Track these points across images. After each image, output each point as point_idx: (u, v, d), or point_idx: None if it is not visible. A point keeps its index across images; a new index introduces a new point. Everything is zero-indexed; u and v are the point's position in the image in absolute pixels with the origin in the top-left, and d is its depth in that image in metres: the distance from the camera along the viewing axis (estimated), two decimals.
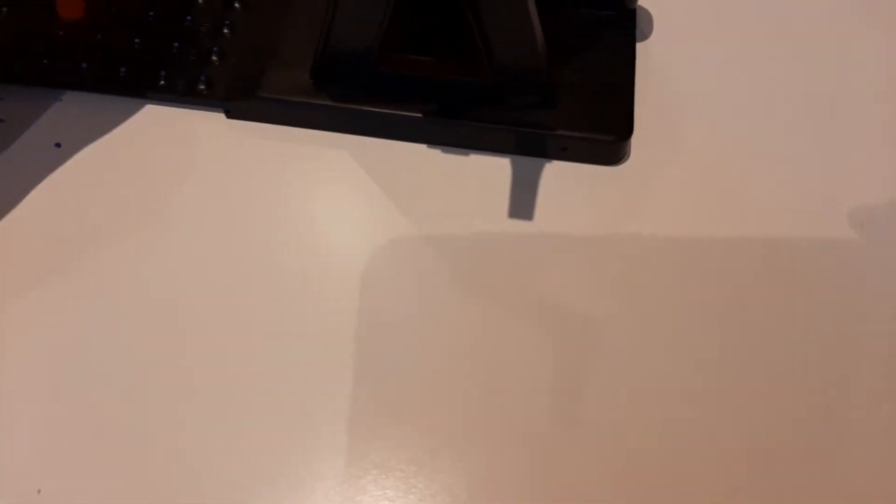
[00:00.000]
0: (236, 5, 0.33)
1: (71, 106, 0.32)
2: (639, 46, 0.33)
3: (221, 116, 0.31)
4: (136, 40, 0.32)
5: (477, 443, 0.26)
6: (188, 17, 0.33)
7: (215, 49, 0.32)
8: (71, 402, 0.26)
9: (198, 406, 0.26)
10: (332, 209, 0.30)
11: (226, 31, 0.33)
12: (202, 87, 0.31)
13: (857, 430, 0.26)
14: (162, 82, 0.31)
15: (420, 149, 0.31)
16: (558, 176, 0.30)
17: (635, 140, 0.31)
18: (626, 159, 0.31)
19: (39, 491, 0.24)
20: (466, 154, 0.31)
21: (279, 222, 0.30)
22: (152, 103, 0.32)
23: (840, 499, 0.25)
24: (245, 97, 0.31)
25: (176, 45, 0.32)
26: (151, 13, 0.33)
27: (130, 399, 0.26)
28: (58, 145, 0.31)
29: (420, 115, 0.30)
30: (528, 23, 0.27)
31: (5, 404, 0.26)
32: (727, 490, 0.25)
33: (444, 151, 0.31)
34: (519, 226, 0.29)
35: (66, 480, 0.25)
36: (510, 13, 0.27)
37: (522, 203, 0.30)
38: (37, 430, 0.26)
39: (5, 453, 0.25)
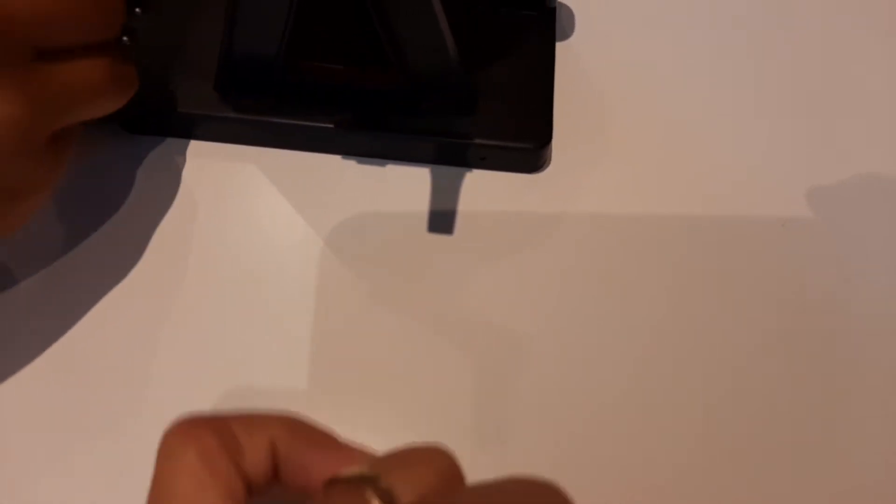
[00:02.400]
0: (137, 10, 0.31)
1: None
2: (560, 45, 0.32)
3: (122, 130, 0.30)
4: None
5: None
6: None
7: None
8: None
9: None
10: (243, 226, 0.29)
11: (125, 38, 0.31)
12: None
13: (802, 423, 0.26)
14: None
15: (334, 160, 0.30)
16: (478, 185, 0.29)
17: (557, 144, 0.30)
18: (548, 165, 0.30)
19: None
20: (383, 164, 0.30)
21: (186, 241, 0.28)
22: None
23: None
24: (145, 110, 0.29)
25: None
26: None
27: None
28: None
29: (332, 125, 0.29)
30: (436, 26, 0.25)
31: None
32: None
33: (359, 162, 0.30)
34: (439, 238, 0.28)
35: None
36: (417, 17, 0.25)
37: (442, 214, 0.29)
38: None
39: None
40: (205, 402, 0.26)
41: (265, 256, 0.28)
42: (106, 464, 0.25)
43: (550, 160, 0.30)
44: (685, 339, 0.27)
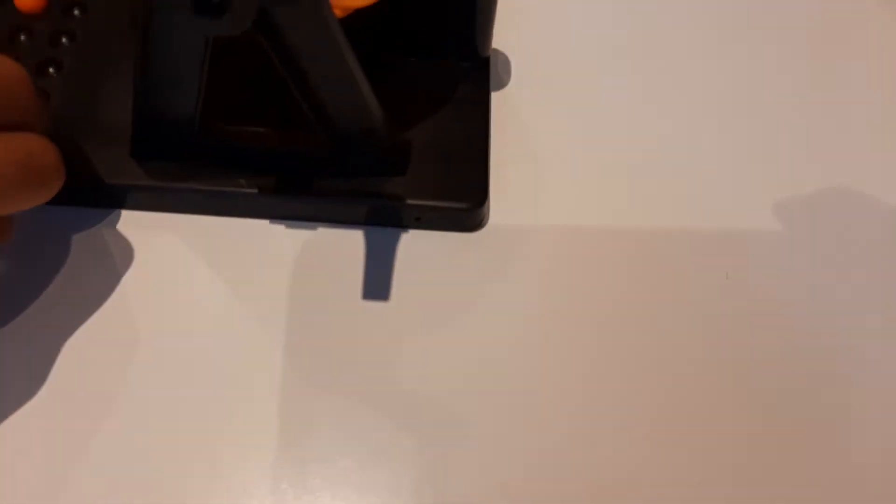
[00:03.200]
0: (51, 70, 0.30)
1: None
2: (495, 96, 0.31)
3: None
4: None
5: None
6: None
7: None
8: None
9: None
10: (167, 300, 0.27)
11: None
12: None
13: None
14: None
15: (261, 224, 0.28)
16: (414, 246, 0.28)
17: (495, 197, 0.29)
18: (486, 223, 0.29)
19: None
20: (314, 228, 0.28)
21: (111, 314, 0.26)
22: None
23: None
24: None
25: None
26: None
27: None
28: None
29: (256, 190, 0.27)
30: (356, 88, 0.24)
31: None
32: None
33: (288, 227, 0.28)
34: (374, 305, 0.27)
35: None
36: (334, 80, 0.24)
37: (377, 278, 0.27)
38: None
39: None
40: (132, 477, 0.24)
41: (193, 327, 0.26)
42: None
43: (488, 217, 0.29)
44: (633, 399, 0.26)
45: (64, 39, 0.30)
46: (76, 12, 0.31)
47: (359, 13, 0.26)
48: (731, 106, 0.32)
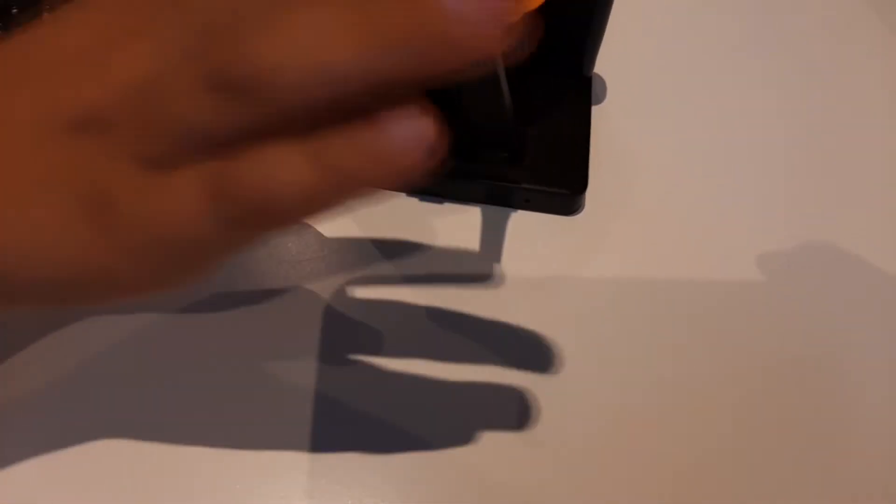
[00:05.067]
0: (14, 10, 0.32)
1: None
2: (594, 109, 0.37)
3: None
4: None
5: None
6: None
7: None
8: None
9: None
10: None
11: None
12: None
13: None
14: None
15: (398, 197, 0.35)
16: (522, 223, 0.34)
17: (590, 193, 0.35)
18: (582, 210, 0.35)
19: None
20: (441, 203, 0.35)
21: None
22: None
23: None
24: None
25: None
26: None
27: None
28: None
29: None
30: (501, 98, 0.30)
31: None
32: None
33: (420, 200, 0.35)
34: (486, 268, 0.33)
35: None
36: (485, 91, 0.30)
37: (490, 248, 0.34)
38: None
39: None
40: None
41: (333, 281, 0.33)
42: None
43: (584, 206, 0.35)
44: (697, 387, 0.32)
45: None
46: None
47: None
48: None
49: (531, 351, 0.31)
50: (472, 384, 0.31)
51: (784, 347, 0.32)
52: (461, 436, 0.29)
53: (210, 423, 0.29)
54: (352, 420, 0.29)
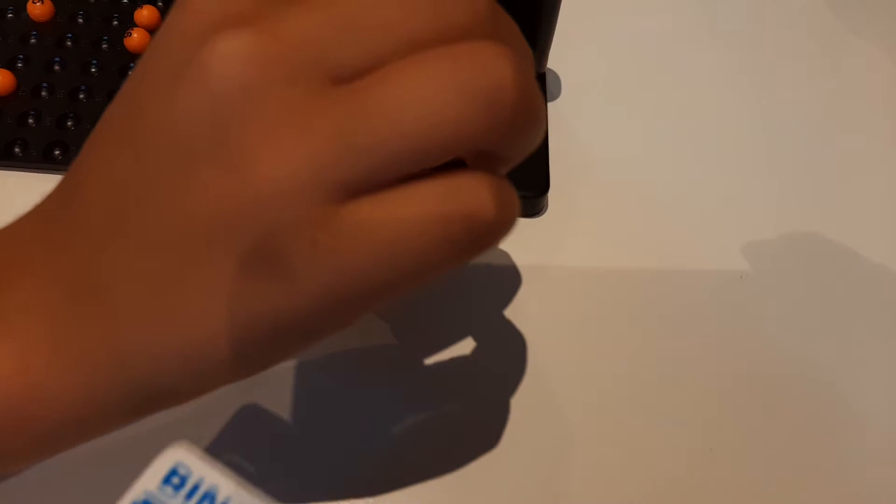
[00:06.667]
0: (56, 68, 0.35)
1: None
2: (550, 106, 0.36)
3: None
4: None
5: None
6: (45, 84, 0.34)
7: (71, 115, 0.34)
8: None
9: None
10: None
11: (81, 96, 0.34)
12: (58, 153, 0.33)
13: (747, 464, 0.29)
14: (17, 150, 0.33)
15: None
16: None
17: (552, 193, 0.34)
18: (545, 211, 0.34)
19: None
20: None
21: None
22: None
23: None
24: None
25: (32, 111, 0.33)
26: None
27: None
28: None
29: None
30: None
31: None
32: None
33: None
34: (448, 277, 0.32)
35: None
36: None
37: None
38: None
39: None
40: None
41: None
42: None
43: (548, 206, 0.34)
44: (664, 379, 0.31)
45: (68, 42, 0.36)
46: (80, 20, 0.37)
47: None
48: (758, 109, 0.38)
49: (499, 355, 0.30)
50: (438, 389, 0.29)
51: (754, 346, 0.32)
52: (426, 438, 0.28)
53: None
54: (314, 421, 0.28)
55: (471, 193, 0.16)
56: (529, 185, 0.33)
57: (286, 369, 0.29)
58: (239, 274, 0.15)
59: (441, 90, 0.15)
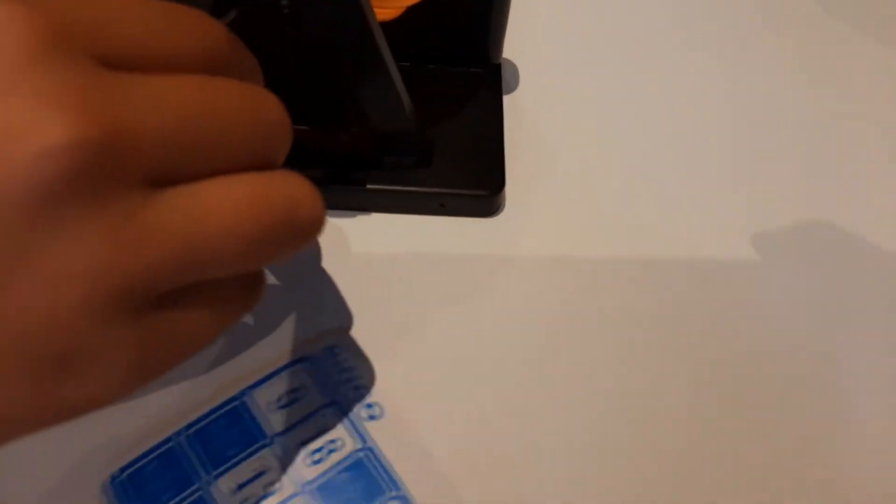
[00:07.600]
0: None
1: None
2: (506, 99, 0.35)
3: None
4: None
5: None
6: None
7: None
8: None
9: None
10: None
11: None
12: None
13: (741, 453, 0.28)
14: None
15: None
16: (439, 229, 0.32)
17: (510, 189, 0.32)
18: (502, 210, 0.32)
19: None
20: (353, 216, 0.32)
21: None
22: None
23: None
24: None
25: None
26: None
27: None
28: None
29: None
30: (392, 89, 0.28)
31: None
32: None
33: (328, 216, 0.32)
34: (404, 281, 0.31)
35: None
36: (373, 81, 0.28)
37: (405, 259, 0.31)
38: None
39: None
40: None
41: None
42: None
43: (505, 205, 0.32)
44: (631, 377, 0.30)
45: None
46: None
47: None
48: (728, 104, 0.36)
49: (465, 356, 0.29)
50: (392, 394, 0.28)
51: (722, 338, 0.30)
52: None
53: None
54: None
55: (290, 179, 0.18)
56: (483, 182, 0.31)
57: None
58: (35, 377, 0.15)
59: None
